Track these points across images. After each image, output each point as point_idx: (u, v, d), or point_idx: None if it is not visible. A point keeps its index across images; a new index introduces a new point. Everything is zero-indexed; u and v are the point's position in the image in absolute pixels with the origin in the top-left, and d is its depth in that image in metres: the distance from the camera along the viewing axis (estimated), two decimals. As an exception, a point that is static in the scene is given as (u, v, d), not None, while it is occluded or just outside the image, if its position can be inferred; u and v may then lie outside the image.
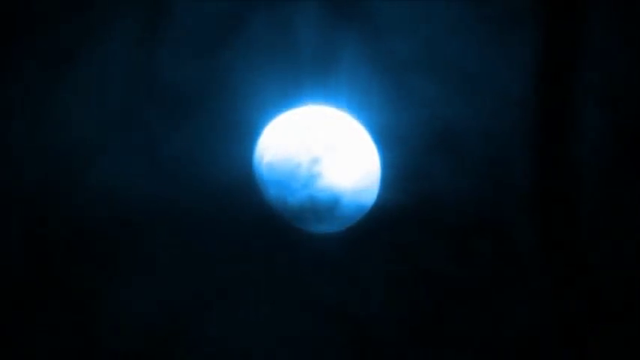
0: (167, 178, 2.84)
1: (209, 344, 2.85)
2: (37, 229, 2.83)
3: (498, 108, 2.84)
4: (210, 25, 2.86)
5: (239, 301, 2.85)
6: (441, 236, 2.84)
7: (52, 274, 2.83)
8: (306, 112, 2.78)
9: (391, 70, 2.82)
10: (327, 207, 2.74)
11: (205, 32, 2.85)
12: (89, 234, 2.85)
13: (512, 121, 2.85)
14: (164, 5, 2.86)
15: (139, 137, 2.86)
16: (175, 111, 2.85)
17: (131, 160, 2.85)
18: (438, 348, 2.85)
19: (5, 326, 2.81)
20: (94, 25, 2.85)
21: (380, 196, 2.79)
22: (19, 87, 2.84)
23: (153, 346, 2.83)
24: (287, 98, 2.80)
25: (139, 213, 2.83)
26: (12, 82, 2.84)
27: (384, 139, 2.79)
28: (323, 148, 2.72)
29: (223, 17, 2.85)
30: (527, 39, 2.84)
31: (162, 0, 2.86)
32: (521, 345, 2.83)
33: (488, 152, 2.84)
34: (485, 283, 2.84)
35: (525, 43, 2.84)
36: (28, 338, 2.81)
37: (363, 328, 2.85)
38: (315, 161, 2.71)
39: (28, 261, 2.83)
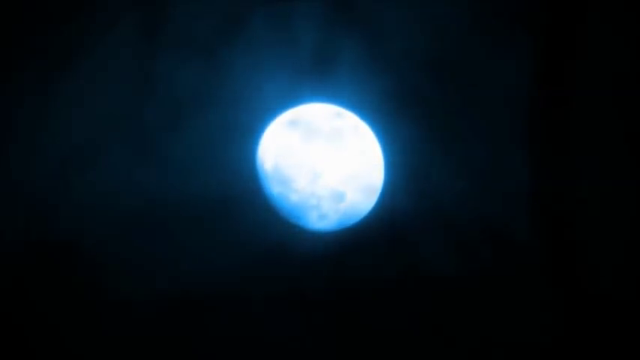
0: (168, 179, 2.84)
1: (212, 343, 2.85)
2: (37, 229, 2.83)
3: (499, 108, 2.85)
4: (209, 25, 2.86)
5: (240, 300, 2.85)
6: (441, 236, 2.85)
7: (52, 273, 2.83)
8: (308, 111, 2.79)
9: (391, 70, 2.82)
10: (329, 205, 2.74)
11: (205, 32, 2.85)
12: (89, 234, 2.84)
13: (513, 122, 2.85)
14: (164, 5, 2.86)
15: (140, 138, 2.85)
16: (176, 111, 2.85)
17: (132, 160, 2.85)
18: (437, 348, 2.85)
19: (5, 325, 2.81)
20: (94, 26, 2.85)
21: (381, 196, 2.80)
22: (19, 87, 2.84)
23: (156, 343, 2.84)
24: (288, 97, 2.80)
25: (140, 213, 2.83)
26: (12, 82, 2.84)
27: (385, 139, 2.79)
28: (325, 147, 2.72)
29: (223, 17, 2.85)
30: (527, 39, 2.84)
31: (161, 1, 2.86)
32: (522, 345, 2.83)
33: (489, 152, 2.84)
34: (485, 283, 2.84)
35: (526, 44, 2.84)
36: (28, 337, 2.82)
37: (362, 327, 2.86)
38: (317, 160, 2.72)
39: (28, 261, 2.83)
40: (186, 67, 2.85)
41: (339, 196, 2.74)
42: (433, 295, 2.84)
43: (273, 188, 2.76)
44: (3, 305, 2.81)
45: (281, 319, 2.84)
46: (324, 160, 2.72)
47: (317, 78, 2.81)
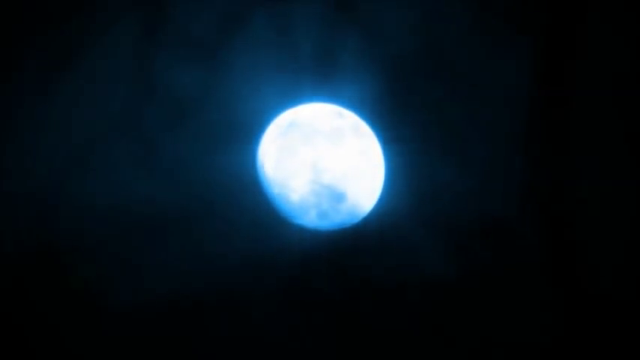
0: (168, 179, 2.84)
1: (212, 343, 2.85)
2: (37, 230, 2.83)
3: (499, 108, 2.85)
4: (209, 25, 2.86)
5: (240, 300, 2.85)
6: (441, 236, 2.85)
7: (52, 273, 2.83)
8: (308, 111, 2.79)
9: (391, 70, 2.82)
10: (329, 205, 2.74)
11: (205, 33, 2.85)
12: (89, 235, 2.84)
13: (513, 122, 2.85)
14: (164, 5, 2.86)
15: (140, 138, 2.85)
16: (176, 111, 2.85)
17: (132, 160, 2.85)
18: (437, 348, 2.85)
19: (5, 325, 2.81)
20: (94, 26, 2.85)
21: (381, 195, 2.80)
22: (19, 87, 2.84)
23: (156, 343, 2.84)
24: (288, 97, 2.80)
25: (140, 213, 2.83)
26: (11, 82, 2.84)
27: (385, 139, 2.79)
28: (325, 147, 2.72)
29: (223, 18, 2.85)
30: (527, 39, 2.84)
31: (161, 1, 2.86)
32: (522, 345, 2.83)
33: (489, 152, 2.85)
34: (485, 283, 2.84)
35: (526, 44, 2.84)
36: (28, 337, 2.82)
37: (362, 327, 2.85)
38: (317, 160, 2.72)
39: (28, 261, 2.82)
40: (186, 67, 2.85)
41: (339, 196, 2.74)
42: (433, 294, 2.84)
43: (273, 188, 2.76)
44: (3, 305, 2.80)
45: (281, 319, 2.84)
46: (324, 159, 2.72)
47: (317, 78, 2.81)
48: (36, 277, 2.82)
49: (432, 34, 2.82)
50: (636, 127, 2.82)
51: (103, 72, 2.86)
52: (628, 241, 2.82)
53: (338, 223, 2.80)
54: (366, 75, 2.81)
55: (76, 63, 2.84)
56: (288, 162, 2.74)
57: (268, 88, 2.81)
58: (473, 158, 2.84)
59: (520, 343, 2.83)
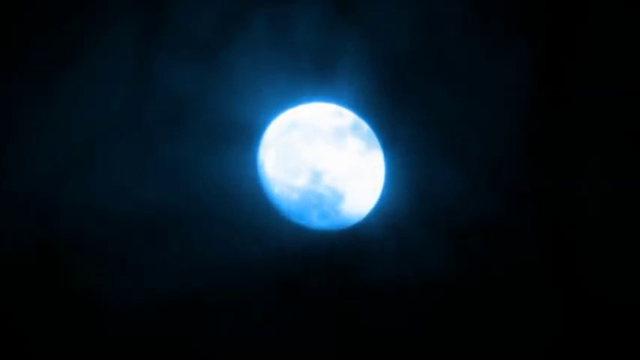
0: (168, 179, 2.84)
1: (212, 343, 2.85)
2: (37, 230, 2.83)
3: (499, 108, 2.85)
4: (209, 25, 2.86)
5: (240, 300, 2.85)
6: (441, 236, 2.85)
7: (52, 273, 2.83)
8: (308, 110, 2.79)
9: (391, 70, 2.82)
10: (329, 205, 2.74)
11: (205, 32, 2.85)
12: (89, 235, 2.84)
13: (513, 122, 2.85)
14: (164, 5, 2.86)
15: (140, 138, 2.85)
16: (176, 111, 2.85)
17: (131, 160, 2.85)
18: (437, 348, 2.85)
19: (5, 325, 2.81)
20: (94, 26, 2.85)
21: (381, 195, 2.80)
22: (19, 87, 2.84)
23: (156, 343, 2.84)
24: (288, 97, 2.80)
25: (140, 213, 2.83)
26: (11, 82, 2.84)
27: (386, 139, 2.79)
28: (325, 147, 2.72)
29: (223, 18, 2.85)
30: (527, 39, 2.84)
31: (161, 1, 2.86)
32: (522, 345, 2.83)
33: (489, 152, 2.84)
34: (485, 283, 2.84)
35: (526, 44, 2.84)
36: (28, 337, 2.82)
37: (362, 327, 2.85)
38: (318, 159, 2.72)
39: (28, 261, 2.82)
40: (187, 67, 2.85)
41: (340, 196, 2.74)
42: (433, 294, 2.84)
43: (274, 188, 2.77)
44: (3, 305, 2.81)
45: (281, 319, 2.84)
46: (324, 159, 2.72)
47: (317, 77, 2.81)
48: (36, 277, 2.82)
49: (432, 34, 2.82)
50: (636, 127, 2.82)
51: (103, 72, 2.85)
52: (628, 241, 2.82)
53: (338, 224, 2.80)
54: (366, 75, 2.81)
55: (76, 63, 2.84)
56: (288, 162, 2.74)
57: (268, 88, 2.81)
58: (473, 158, 2.84)
59: (520, 343, 2.83)
